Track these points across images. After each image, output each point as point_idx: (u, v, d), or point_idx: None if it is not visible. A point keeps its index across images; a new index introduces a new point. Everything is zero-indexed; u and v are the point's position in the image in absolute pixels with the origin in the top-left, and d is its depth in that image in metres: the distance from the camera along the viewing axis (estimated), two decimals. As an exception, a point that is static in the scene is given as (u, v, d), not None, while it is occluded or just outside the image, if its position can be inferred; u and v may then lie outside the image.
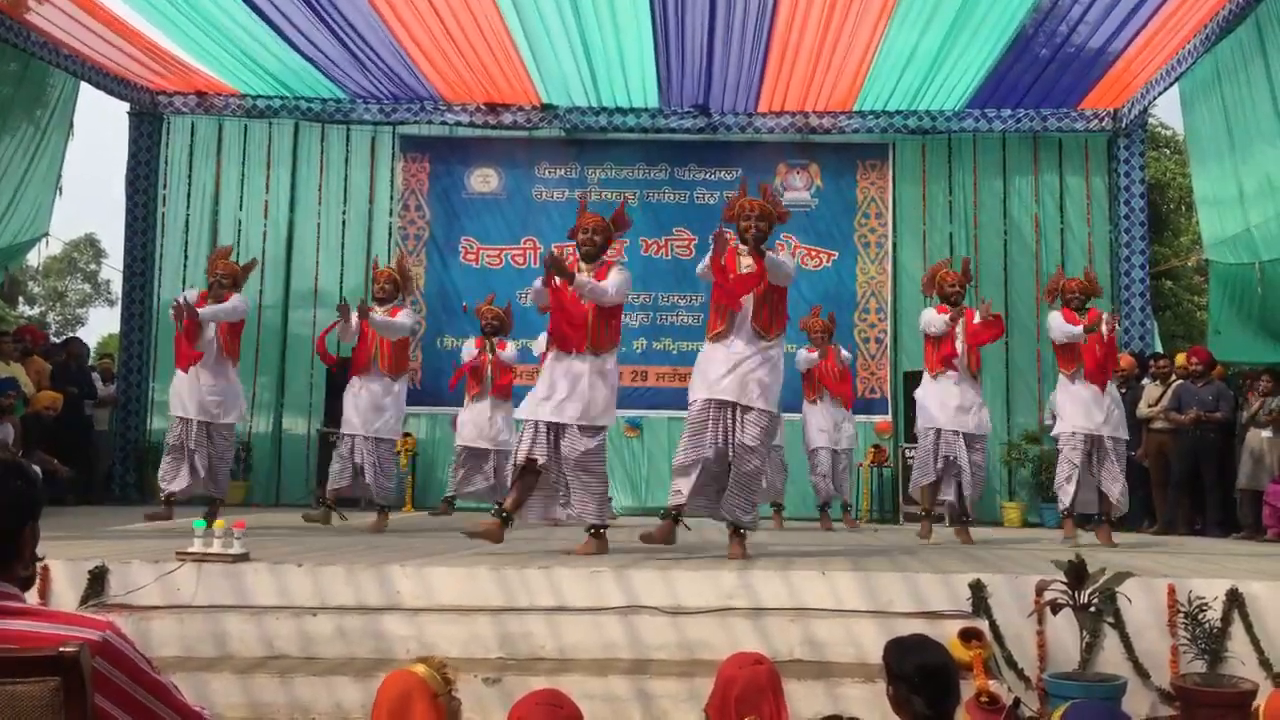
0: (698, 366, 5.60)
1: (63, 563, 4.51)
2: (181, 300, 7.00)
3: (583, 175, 11.56)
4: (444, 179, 11.65)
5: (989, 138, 11.29)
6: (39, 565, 1.84)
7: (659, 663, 4.21)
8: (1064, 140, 11.26)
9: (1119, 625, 4.18)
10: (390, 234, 11.56)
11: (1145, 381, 9.33)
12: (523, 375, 9.03)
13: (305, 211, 11.58)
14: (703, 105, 11.09)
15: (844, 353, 9.16)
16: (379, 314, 7.29)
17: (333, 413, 7.80)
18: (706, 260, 5.44)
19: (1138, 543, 7.39)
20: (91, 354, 12.12)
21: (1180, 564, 5.47)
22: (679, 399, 6.55)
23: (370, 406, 7.34)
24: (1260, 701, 3.51)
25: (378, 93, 11.19)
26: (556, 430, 5.51)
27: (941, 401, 7.10)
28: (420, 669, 2.54)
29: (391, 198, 11.60)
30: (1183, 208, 17.66)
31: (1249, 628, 4.19)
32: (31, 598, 1.80)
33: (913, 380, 10.37)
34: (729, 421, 5.37)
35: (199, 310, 6.96)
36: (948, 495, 7.23)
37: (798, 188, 11.52)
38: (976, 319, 7.18)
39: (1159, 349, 10.55)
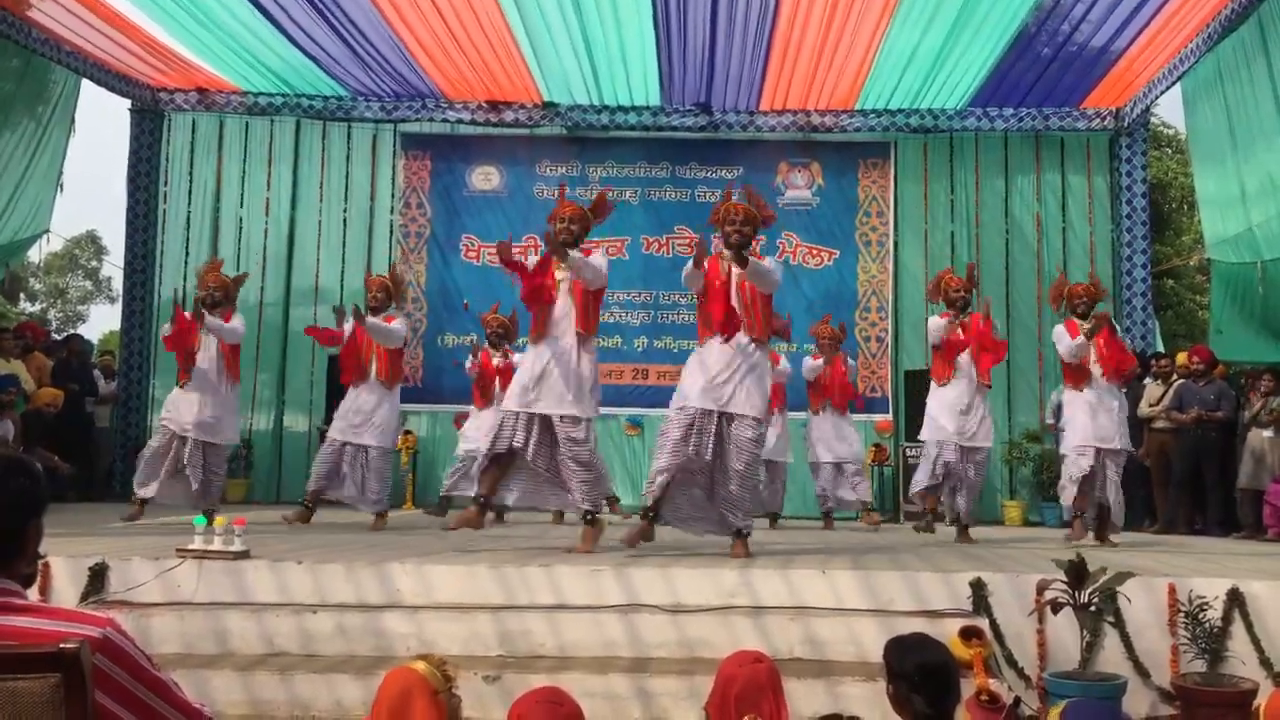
0: (686, 370, 5.62)
1: (63, 559, 4.51)
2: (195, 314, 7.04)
3: (584, 173, 11.53)
4: (445, 177, 11.63)
5: (991, 137, 11.27)
6: (40, 562, 1.84)
7: (659, 661, 4.21)
8: (1066, 139, 11.24)
9: (1119, 624, 4.19)
10: (391, 231, 11.55)
11: (1147, 381, 9.32)
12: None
13: (306, 209, 11.56)
14: (704, 103, 11.07)
15: (850, 362, 9.18)
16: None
17: (333, 410, 7.78)
18: (689, 267, 5.44)
19: (1138, 542, 7.38)
20: (93, 350, 12.13)
21: (1181, 563, 5.47)
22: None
23: (367, 417, 7.31)
24: (1261, 701, 3.51)
25: (379, 90, 11.18)
26: (542, 420, 5.48)
27: (948, 412, 7.16)
28: (420, 666, 2.54)
29: (393, 195, 11.58)
30: (1185, 207, 17.62)
31: (1249, 627, 4.19)
32: (32, 594, 1.80)
33: (913, 379, 10.40)
34: (716, 429, 5.36)
35: (206, 316, 7.01)
36: (948, 500, 7.36)
37: (799, 186, 11.51)
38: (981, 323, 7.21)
39: (1160, 348, 10.54)
